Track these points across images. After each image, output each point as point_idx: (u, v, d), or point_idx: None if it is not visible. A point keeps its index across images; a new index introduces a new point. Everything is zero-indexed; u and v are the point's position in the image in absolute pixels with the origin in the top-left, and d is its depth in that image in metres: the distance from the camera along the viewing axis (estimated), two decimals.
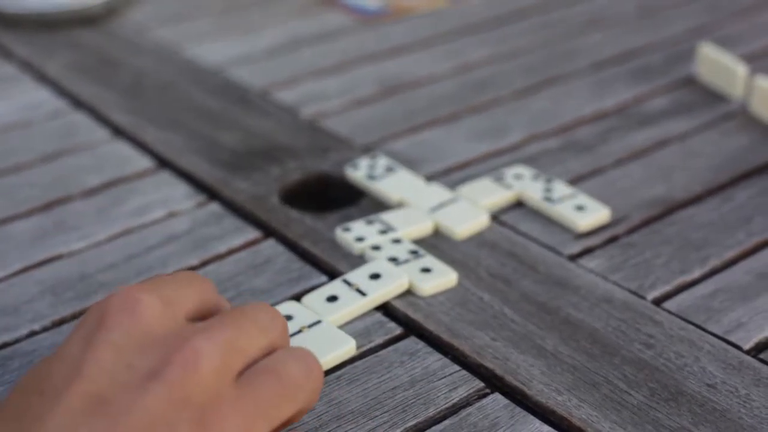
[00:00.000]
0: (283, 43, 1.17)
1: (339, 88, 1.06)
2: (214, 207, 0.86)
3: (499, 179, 0.87)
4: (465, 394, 0.67)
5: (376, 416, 0.65)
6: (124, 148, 0.96)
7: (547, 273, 0.77)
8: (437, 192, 0.85)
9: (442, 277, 0.76)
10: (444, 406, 0.66)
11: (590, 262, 0.79)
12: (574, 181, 0.88)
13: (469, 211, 0.83)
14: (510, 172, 0.88)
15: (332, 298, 0.73)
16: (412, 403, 0.66)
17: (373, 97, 1.04)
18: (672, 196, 0.86)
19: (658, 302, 0.74)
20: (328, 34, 1.19)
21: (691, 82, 1.05)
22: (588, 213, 0.82)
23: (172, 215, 0.85)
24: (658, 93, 1.04)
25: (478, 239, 0.81)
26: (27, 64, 1.13)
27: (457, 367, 0.69)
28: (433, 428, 0.64)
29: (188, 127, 0.98)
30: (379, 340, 0.71)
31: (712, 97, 1.01)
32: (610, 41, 1.14)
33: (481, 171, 0.90)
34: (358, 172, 0.88)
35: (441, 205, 0.84)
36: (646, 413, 0.65)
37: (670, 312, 0.73)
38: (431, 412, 0.65)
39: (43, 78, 1.10)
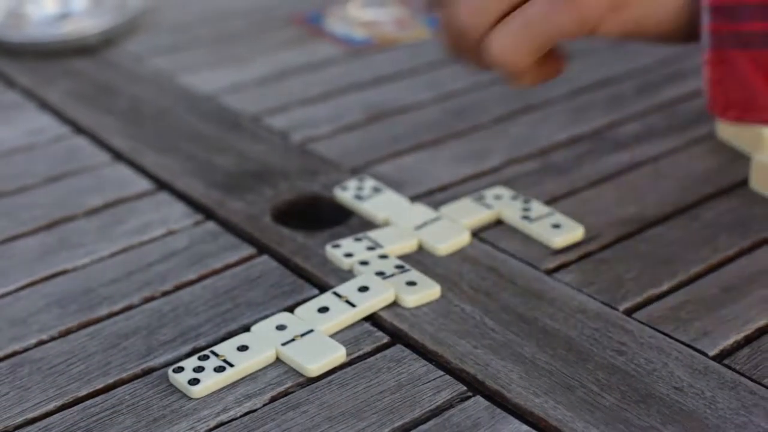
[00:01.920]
0: (274, 72, 1.21)
1: (327, 115, 1.11)
2: (211, 225, 0.91)
3: (480, 199, 0.91)
4: (448, 397, 0.71)
5: (366, 417, 0.69)
6: (123, 171, 1.00)
7: (525, 286, 0.82)
8: (421, 211, 0.90)
9: (426, 290, 0.80)
10: (429, 408, 0.70)
11: (565, 276, 0.83)
12: (551, 201, 0.93)
13: (451, 229, 0.87)
14: (490, 193, 0.92)
15: (323, 309, 0.78)
16: (399, 405, 0.71)
17: (359, 123, 1.09)
18: (643, 216, 0.91)
19: (629, 313, 0.79)
20: (317, 64, 1.24)
21: (660, 109, 1.10)
22: (563, 231, 0.87)
23: (170, 233, 0.90)
24: (631, 119, 1.08)
25: (460, 255, 0.86)
26: (29, 92, 1.17)
27: (440, 373, 0.73)
28: (419, 428, 0.69)
29: (185, 151, 1.03)
30: (367, 348, 0.76)
31: (681, 123, 1.06)
32: (586, 70, 1.19)
33: (463, 192, 0.94)
34: (346, 193, 0.93)
35: (425, 224, 0.88)
36: (617, 414, 0.69)
37: (640, 321, 0.78)
38: (417, 413, 0.70)
39: (45, 105, 1.14)
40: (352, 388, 0.72)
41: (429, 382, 0.73)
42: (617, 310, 0.79)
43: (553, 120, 1.08)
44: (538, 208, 0.90)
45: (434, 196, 0.95)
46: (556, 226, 0.88)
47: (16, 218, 0.93)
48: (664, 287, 0.82)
